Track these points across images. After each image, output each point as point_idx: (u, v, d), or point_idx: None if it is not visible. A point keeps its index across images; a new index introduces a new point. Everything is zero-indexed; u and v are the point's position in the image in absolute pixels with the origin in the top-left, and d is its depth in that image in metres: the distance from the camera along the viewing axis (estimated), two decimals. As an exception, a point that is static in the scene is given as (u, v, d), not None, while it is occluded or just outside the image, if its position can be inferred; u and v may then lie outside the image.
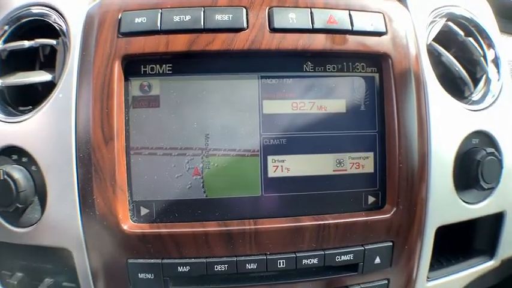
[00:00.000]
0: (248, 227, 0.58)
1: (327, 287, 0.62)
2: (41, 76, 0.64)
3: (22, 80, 0.64)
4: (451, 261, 0.74)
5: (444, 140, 0.65)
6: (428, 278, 0.69)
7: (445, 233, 0.72)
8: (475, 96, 0.71)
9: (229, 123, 0.60)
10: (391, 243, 0.62)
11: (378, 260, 0.62)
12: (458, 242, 0.77)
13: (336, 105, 0.62)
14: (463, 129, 0.67)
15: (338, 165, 0.62)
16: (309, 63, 0.61)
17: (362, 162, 0.62)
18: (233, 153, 0.60)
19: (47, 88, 0.63)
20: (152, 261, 0.58)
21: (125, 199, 0.59)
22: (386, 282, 0.64)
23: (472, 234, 0.76)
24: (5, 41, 0.66)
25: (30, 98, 0.65)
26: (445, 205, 0.66)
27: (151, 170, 0.59)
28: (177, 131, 0.59)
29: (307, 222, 0.59)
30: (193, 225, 0.58)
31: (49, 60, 0.68)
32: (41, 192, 0.59)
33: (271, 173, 0.60)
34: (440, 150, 0.64)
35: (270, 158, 0.60)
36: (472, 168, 0.64)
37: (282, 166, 0.61)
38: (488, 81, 0.72)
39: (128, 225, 0.58)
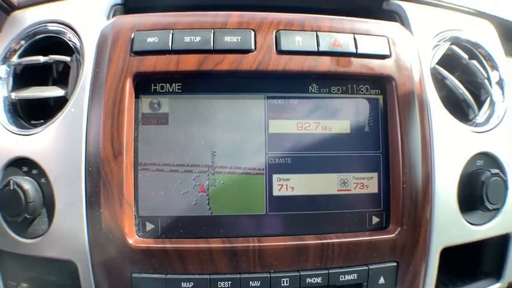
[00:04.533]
0: (252, 245, 0.59)
1: (331, 307, 0.62)
2: (54, 91, 0.66)
3: (36, 94, 0.67)
4: (456, 283, 0.73)
5: (448, 162, 0.65)
6: (433, 300, 0.69)
7: (450, 255, 0.72)
8: (480, 119, 0.72)
9: (236, 141, 0.61)
10: (395, 264, 0.62)
11: (382, 281, 0.61)
12: (464, 265, 0.76)
13: (341, 126, 0.63)
14: (467, 151, 0.67)
15: (342, 185, 0.62)
16: (314, 84, 0.63)
17: (366, 183, 0.63)
18: (239, 171, 0.61)
19: (59, 103, 0.65)
20: (156, 276, 0.58)
21: (131, 214, 0.60)
22: (391, 304, 0.64)
23: (478, 256, 0.76)
24: (20, 56, 0.68)
25: (42, 113, 0.67)
26: (449, 226, 0.66)
27: (158, 185, 0.60)
28: (184, 148, 0.61)
29: (311, 241, 0.60)
30: (198, 242, 0.59)
31: (62, 76, 0.70)
32: (49, 204, 0.60)
33: (276, 192, 0.61)
34: (445, 171, 0.65)
35: (275, 176, 0.61)
36: (476, 189, 0.65)
37: (286, 185, 0.61)
38: (492, 104, 0.72)
39: (134, 239, 0.59)
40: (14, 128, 0.64)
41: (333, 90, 0.63)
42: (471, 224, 0.68)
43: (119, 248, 0.58)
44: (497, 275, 0.74)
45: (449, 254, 0.69)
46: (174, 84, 0.61)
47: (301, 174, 0.62)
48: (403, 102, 0.63)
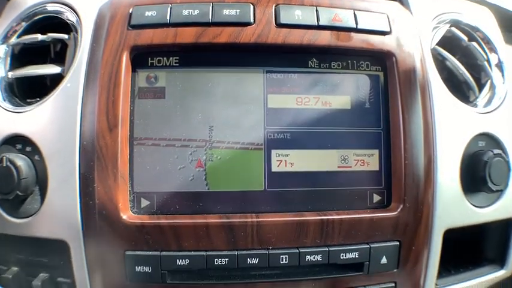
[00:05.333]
0: (250, 220, 0.57)
1: (331, 287, 0.59)
2: (50, 69, 0.65)
3: (32, 71, 0.66)
4: (459, 269, 0.71)
5: (450, 141, 0.64)
6: (436, 285, 0.67)
7: (454, 240, 0.70)
8: (481, 101, 0.71)
9: (234, 116, 0.60)
10: (397, 243, 0.60)
11: (384, 260, 0.59)
12: (467, 252, 0.75)
13: (341, 101, 0.62)
14: (469, 131, 0.66)
15: (342, 161, 0.61)
16: (314, 59, 0.62)
17: (367, 160, 0.62)
18: (237, 146, 0.60)
19: (55, 82, 0.64)
20: (150, 253, 0.56)
21: (126, 189, 0.58)
22: (394, 285, 0.61)
23: (481, 243, 0.74)
24: (19, 36, 0.68)
25: (38, 93, 0.66)
26: (452, 207, 0.65)
27: (154, 160, 0.59)
28: (181, 123, 0.59)
29: (310, 217, 0.58)
30: (194, 217, 0.57)
31: (59, 58, 0.69)
32: (42, 182, 0.59)
33: (274, 168, 0.60)
34: (447, 151, 0.64)
35: (274, 152, 0.60)
36: (479, 169, 0.63)
37: (285, 161, 0.60)
38: (493, 86, 0.72)
39: (128, 215, 0.57)
40: (8, 106, 0.63)
41: (333, 66, 0.62)
42: (475, 206, 0.66)
43: (113, 224, 0.56)
44: (501, 262, 0.72)
45: (452, 238, 0.67)
46: (171, 58, 0.60)
47: (301, 150, 0.60)
48: (404, 79, 0.62)
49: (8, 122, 0.61)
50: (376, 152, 0.62)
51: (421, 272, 0.63)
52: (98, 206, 0.57)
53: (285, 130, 0.60)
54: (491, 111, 0.69)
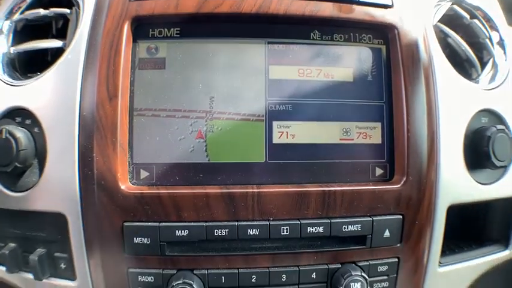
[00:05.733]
0: (251, 191, 0.56)
1: (334, 261, 0.58)
2: (52, 43, 0.65)
3: (34, 46, 0.66)
4: (463, 248, 0.70)
5: (453, 115, 0.64)
6: (440, 263, 0.66)
7: (458, 222, 0.69)
8: (483, 79, 0.70)
9: (235, 87, 0.59)
10: (400, 217, 0.59)
11: (387, 234, 0.58)
12: (471, 232, 0.74)
13: (343, 73, 0.61)
14: (471, 107, 0.66)
15: (344, 134, 0.60)
16: (316, 31, 0.62)
17: (369, 133, 0.61)
18: (237, 117, 0.59)
19: (57, 57, 0.63)
20: (149, 224, 0.56)
21: (125, 160, 0.57)
22: (397, 260, 0.60)
23: (485, 223, 0.73)
24: (22, 12, 0.68)
25: (39, 68, 0.65)
26: (456, 183, 0.64)
27: (154, 131, 0.58)
28: (181, 93, 0.59)
29: (312, 188, 0.57)
30: (194, 188, 0.57)
31: (61, 35, 0.69)
32: (40, 154, 0.59)
33: (276, 139, 0.59)
34: (449, 125, 0.63)
35: (275, 123, 0.59)
36: (482, 145, 0.63)
37: (287, 132, 0.59)
38: (495, 64, 0.71)
39: (126, 186, 0.56)
40: (8, 79, 0.63)
41: (336, 38, 0.62)
42: (479, 183, 0.65)
43: (111, 194, 0.56)
44: (505, 242, 0.72)
45: (456, 217, 0.67)
46: (172, 29, 0.60)
47: (302, 122, 0.60)
48: (406, 52, 0.61)
49: (8, 95, 0.61)
50: (378, 125, 0.61)
51: (425, 248, 0.62)
52: (96, 176, 0.56)
53: (287, 101, 0.60)
54: (494, 88, 0.68)
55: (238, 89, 0.59)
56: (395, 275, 0.61)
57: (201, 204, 0.55)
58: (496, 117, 0.67)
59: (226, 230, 0.55)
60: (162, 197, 0.56)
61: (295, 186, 0.57)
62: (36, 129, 0.59)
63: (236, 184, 0.57)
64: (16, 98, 0.60)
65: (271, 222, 0.56)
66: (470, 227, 0.74)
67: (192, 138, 0.58)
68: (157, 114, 0.59)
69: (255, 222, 0.56)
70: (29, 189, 0.59)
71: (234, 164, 0.58)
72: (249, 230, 0.56)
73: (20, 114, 0.60)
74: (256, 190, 0.56)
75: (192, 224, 0.55)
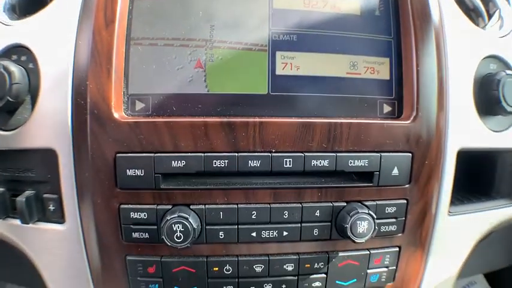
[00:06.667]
0: (252, 120, 0.53)
1: (339, 199, 0.55)
2: None
3: None
4: (472, 200, 0.67)
5: (461, 57, 0.62)
6: (450, 212, 0.62)
7: (467, 177, 0.66)
8: (490, 29, 0.69)
9: (237, 14, 0.56)
10: (410, 155, 0.56)
11: (395, 171, 0.55)
12: (480, 187, 0.71)
13: (350, 7, 0.58)
14: (480, 51, 0.64)
15: (352, 67, 0.57)
16: (323, -38, 0.59)
17: (377, 68, 0.58)
18: (239, 47, 0.56)
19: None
20: (144, 155, 0.52)
21: (120, 89, 0.54)
22: (405, 202, 0.57)
23: (494, 177, 0.70)
24: None
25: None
26: (467, 127, 0.62)
27: (151, 60, 0.55)
28: (180, 21, 0.56)
29: (317, 119, 0.54)
30: (192, 117, 0.53)
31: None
32: (34, 90, 0.57)
33: (279, 70, 0.56)
34: (458, 66, 0.61)
35: (278, 54, 0.56)
36: (492, 88, 0.61)
37: (291, 64, 0.56)
38: (501, 17, 0.70)
39: (120, 115, 0.53)
40: (5, 20, 0.61)
41: (342, -31, 0.59)
42: (490, 129, 0.63)
43: (104, 124, 0.52)
44: (515, 196, 0.69)
45: (465, 168, 0.64)
46: (172, -47, 0.57)
47: (307, 53, 0.57)
48: None
49: (5, 35, 0.59)
50: (386, 60, 0.58)
51: (434, 192, 0.59)
52: (89, 105, 0.53)
53: (291, 32, 0.56)
54: (502, 37, 0.67)
55: (240, 18, 0.56)
56: (403, 218, 0.57)
57: (199, 133, 0.52)
58: (505, 64, 0.65)
59: (226, 161, 0.52)
60: (158, 125, 0.52)
61: (300, 118, 0.54)
62: (31, 65, 0.57)
63: (237, 115, 0.54)
64: (12, 36, 0.58)
65: (274, 154, 0.52)
66: (480, 181, 0.71)
67: (190, 68, 0.55)
68: (155, 43, 0.55)
69: (256, 154, 0.52)
70: (20, 126, 0.57)
71: (234, 95, 0.55)
72: (249, 161, 0.52)
73: (16, 52, 0.58)
74: (258, 120, 0.53)
75: (189, 154, 0.52)
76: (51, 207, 0.59)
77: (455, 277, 0.68)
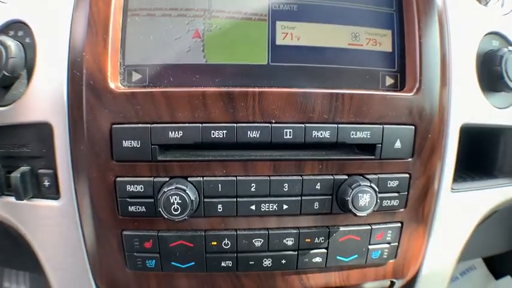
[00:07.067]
0: (252, 90, 0.51)
1: (340, 172, 0.54)
2: None
3: None
4: (475, 178, 0.66)
5: (463, 32, 0.61)
6: (452, 189, 0.61)
7: (469, 155, 0.65)
8: (492, 6, 0.67)
9: (236, -17, 0.55)
10: (413, 127, 0.54)
11: (398, 144, 0.54)
12: (483, 166, 0.70)
13: (351, -22, 0.57)
14: (482, 27, 0.63)
15: (353, 39, 0.56)
16: None
17: (379, 40, 0.57)
18: (238, 16, 0.54)
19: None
20: (140, 126, 0.51)
21: (116, 60, 0.53)
22: (408, 176, 0.56)
23: (497, 155, 0.69)
24: None
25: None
26: (470, 102, 0.61)
27: (148, 31, 0.54)
28: (178, -10, 0.54)
29: (318, 89, 0.52)
30: (190, 87, 0.52)
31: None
32: (30, 65, 0.56)
33: (279, 41, 0.55)
34: (460, 41, 0.60)
35: (278, 23, 0.55)
36: (494, 64, 0.60)
37: (291, 34, 0.55)
38: None
39: (116, 85, 0.52)
40: None
41: None
42: (494, 106, 0.62)
43: (99, 94, 0.51)
44: (517, 175, 0.68)
45: (468, 146, 0.63)
46: None
47: (308, 23, 0.55)
48: None
49: (2, 13, 0.58)
50: (388, 32, 0.57)
51: (437, 167, 0.57)
52: (85, 76, 0.51)
53: (292, 1, 0.55)
54: (504, 15, 0.66)
55: (239, -13, 0.55)
56: (406, 193, 0.56)
57: (196, 103, 0.51)
58: (507, 41, 0.64)
59: (224, 132, 0.51)
60: (155, 95, 0.51)
61: (300, 88, 0.53)
62: (27, 40, 0.56)
63: (236, 86, 0.53)
64: (9, 13, 0.57)
65: (274, 125, 0.51)
66: (482, 160, 0.70)
67: (188, 38, 0.54)
68: (153, 13, 0.54)
69: (255, 124, 0.51)
70: (16, 101, 0.56)
71: (233, 66, 0.54)
72: (248, 132, 0.51)
73: (13, 28, 0.57)
74: (257, 89, 0.51)
75: (187, 125, 0.51)
76: (46, 183, 0.58)
77: (456, 258, 0.67)
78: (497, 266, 1.03)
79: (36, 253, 0.61)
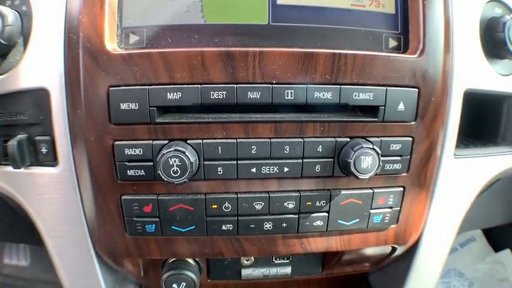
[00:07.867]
0: (252, 49, 0.50)
1: (342, 134, 0.53)
2: None
3: None
4: (477, 145, 0.66)
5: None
6: (455, 155, 0.61)
7: (472, 123, 0.64)
8: None
9: None
10: (416, 90, 0.53)
11: (401, 107, 0.53)
12: (485, 134, 0.69)
13: None
14: None
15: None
16: None
17: (382, 1, 0.55)
18: (238, -25, 0.53)
19: None
20: (138, 87, 0.50)
21: (113, 22, 0.51)
22: (411, 140, 0.55)
23: (500, 124, 0.68)
24: None
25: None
26: (474, 67, 0.60)
27: (145, -10, 0.52)
28: None
29: (321, 50, 0.51)
30: (188, 47, 0.51)
31: None
32: (26, 33, 0.55)
33: (280, 0, 0.53)
34: (464, 6, 0.59)
35: (279, -18, 0.53)
36: (498, 30, 0.59)
37: (293, -7, 0.53)
38: None
39: (113, 47, 0.50)
40: None
41: None
42: (498, 73, 0.62)
43: (96, 57, 0.50)
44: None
45: (471, 114, 0.62)
46: None
47: (310, -18, 0.54)
48: None
49: None
50: (392, -7, 0.56)
51: (440, 131, 0.57)
52: (82, 39, 0.50)
53: (293, -40, 0.53)
54: None
55: None
56: (408, 157, 0.55)
57: (195, 63, 0.49)
58: (509, 9, 0.63)
59: (224, 93, 0.50)
60: (152, 56, 0.50)
61: (302, 48, 0.51)
62: (24, 8, 0.55)
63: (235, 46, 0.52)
64: None
65: (274, 86, 0.50)
66: (485, 127, 0.69)
67: (186, -3, 0.52)
68: (149, -27, 0.52)
69: (256, 85, 0.50)
70: (12, 69, 0.55)
71: (233, 26, 0.52)
72: (249, 92, 0.50)
73: None
74: (258, 49, 0.50)
75: (186, 86, 0.50)
76: (44, 150, 0.57)
77: (457, 227, 0.67)
78: (497, 239, 1.03)
79: (35, 223, 0.61)
